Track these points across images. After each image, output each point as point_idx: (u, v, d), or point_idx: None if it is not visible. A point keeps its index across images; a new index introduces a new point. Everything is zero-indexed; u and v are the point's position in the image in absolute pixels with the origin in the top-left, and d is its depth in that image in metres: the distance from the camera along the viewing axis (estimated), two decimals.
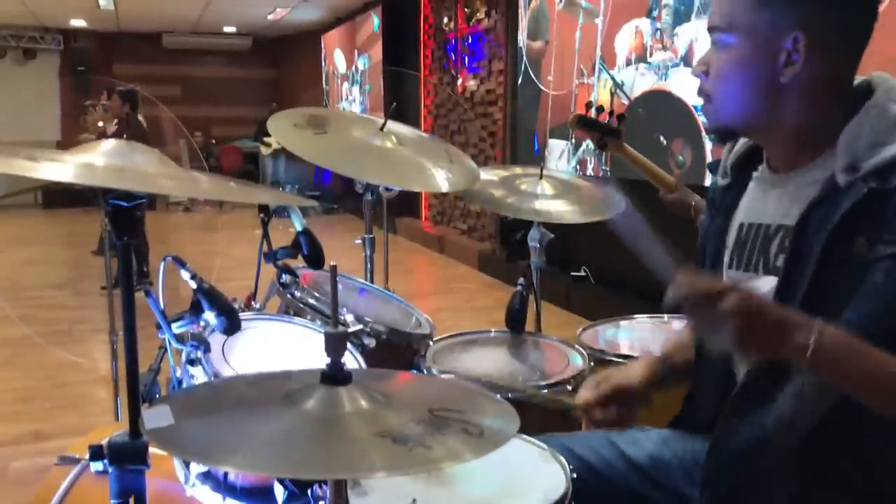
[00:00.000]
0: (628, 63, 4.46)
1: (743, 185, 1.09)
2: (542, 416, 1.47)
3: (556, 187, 1.97)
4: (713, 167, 1.18)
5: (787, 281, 0.95)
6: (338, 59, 10.41)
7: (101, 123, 5.68)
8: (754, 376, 0.99)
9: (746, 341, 0.85)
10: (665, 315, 1.90)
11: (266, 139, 10.55)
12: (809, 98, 0.96)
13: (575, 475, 1.11)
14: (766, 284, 1.00)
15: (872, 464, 0.92)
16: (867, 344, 0.85)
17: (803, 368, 0.86)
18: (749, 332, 0.85)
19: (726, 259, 1.08)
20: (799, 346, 0.84)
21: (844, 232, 0.90)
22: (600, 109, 2.01)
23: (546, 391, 1.28)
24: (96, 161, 0.91)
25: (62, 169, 0.90)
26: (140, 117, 5.82)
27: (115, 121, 5.47)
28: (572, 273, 4.96)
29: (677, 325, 1.84)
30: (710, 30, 1.00)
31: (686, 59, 3.98)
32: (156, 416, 0.79)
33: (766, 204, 1.04)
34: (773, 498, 0.98)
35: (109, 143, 0.95)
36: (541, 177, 1.97)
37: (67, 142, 9.63)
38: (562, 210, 1.90)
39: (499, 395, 0.95)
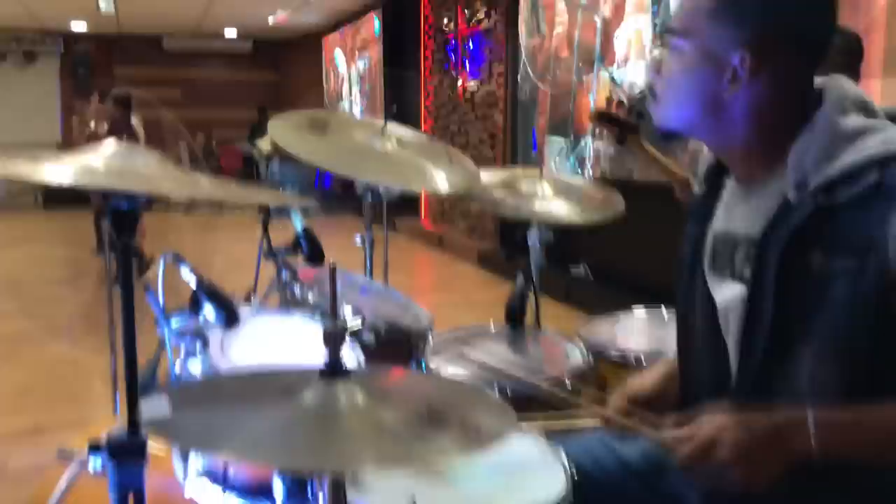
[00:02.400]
0: (627, 60, 4.47)
1: (717, 193, 1.10)
2: (541, 409, 1.47)
3: (556, 188, 1.97)
4: None
5: (755, 295, 0.97)
6: (338, 60, 10.42)
7: (93, 124, 5.70)
8: (746, 383, 1.00)
9: (755, 478, 0.88)
10: (662, 308, 1.91)
11: (258, 142, 10.54)
12: (755, 115, 0.96)
13: (574, 475, 1.10)
14: (735, 289, 1.01)
15: (871, 469, 0.92)
16: (865, 410, 0.87)
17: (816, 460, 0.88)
18: (754, 469, 0.87)
19: (707, 263, 1.09)
20: (803, 449, 0.86)
21: (800, 247, 0.91)
22: (620, 103, 2.03)
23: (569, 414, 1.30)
24: (96, 164, 0.92)
25: (63, 171, 0.90)
26: (135, 120, 5.83)
27: (107, 123, 5.49)
28: (571, 269, 4.97)
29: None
30: (667, 31, 1.00)
31: None
32: (153, 407, 0.79)
33: (734, 213, 1.05)
34: (773, 500, 0.97)
35: (109, 146, 0.95)
36: (540, 177, 1.98)
37: (68, 144, 9.63)
38: (562, 211, 1.90)
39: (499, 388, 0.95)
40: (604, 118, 2.03)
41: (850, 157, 0.90)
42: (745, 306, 0.98)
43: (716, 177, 1.11)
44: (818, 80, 0.99)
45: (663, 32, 1.01)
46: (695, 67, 0.96)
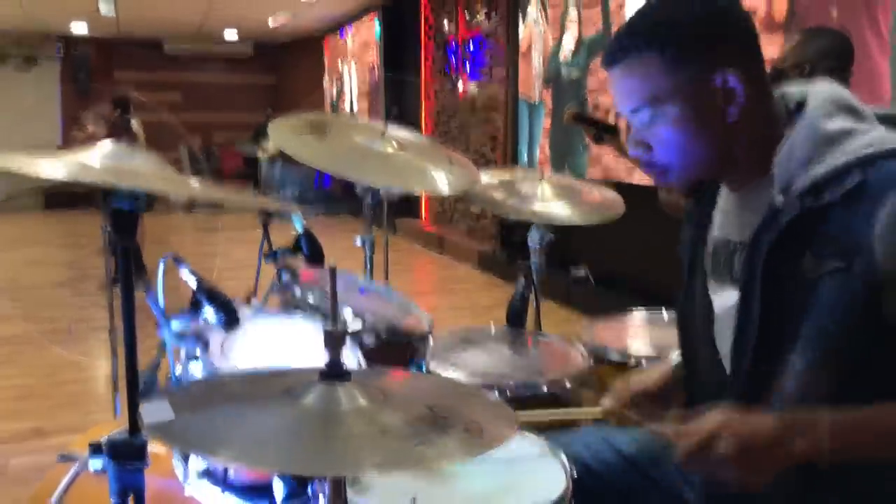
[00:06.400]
0: None
1: (713, 197, 1.10)
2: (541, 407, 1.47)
3: (556, 189, 1.97)
4: None
5: (745, 299, 0.97)
6: (339, 64, 10.43)
7: (91, 128, 5.71)
8: (741, 384, 1.00)
9: (752, 472, 0.87)
10: (663, 310, 1.91)
11: (263, 144, 10.54)
12: (755, 124, 0.96)
13: (574, 474, 1.11)
14: (733, 295, 1.01)
15: (870, 465, 0.92)
16: (876, 410, 0.86)
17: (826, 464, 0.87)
18: (752, 467, 0.86)
19: (709, 269, 1.09)
20: (810, 450, 0.85)
21: (788, 250, 0.92)
22: (596, 106, 2.01)
23: (570, 409, 1.33)
24: (93, 162, 0.92)
25: (59, 167, 0.91)
26: (134, 122, 5.83)
27: (106, 126, 5.50)
28: (572, 271, 4.97)
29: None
30: (633, 112, 0.99)
31: None
32: (155, 411, 0.79)
33: (729, 219, 1.06)
34: (771, 499, 0.97)
35: (106, 146, 0.96)
36: (541, 179, 1.98)
37: (68, 148, 9.64)
38: (562, 213, 1.91)
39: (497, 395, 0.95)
40: (579, 119, 1.99)
41: (835, 158, 0.90)
42: (736, 311, 0.98)
43: (709, 184, 1.10)
44: (805, 86, 1.00)
45: (630, 114, 1.00)
46: (689, 117, 0.95)
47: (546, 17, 5.50)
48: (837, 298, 0.88)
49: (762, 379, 0.95)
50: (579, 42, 4.95)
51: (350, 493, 1.00)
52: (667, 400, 1.18)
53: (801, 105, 0.97)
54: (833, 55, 1.91)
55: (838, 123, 0.93)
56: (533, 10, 5.68)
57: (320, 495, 1.05)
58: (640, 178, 4.12)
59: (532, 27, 5.73)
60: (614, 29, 4.54)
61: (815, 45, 1.92)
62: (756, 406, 0.93)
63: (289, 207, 1.45)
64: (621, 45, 0.97)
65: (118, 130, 5.33)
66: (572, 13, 5.01)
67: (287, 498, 1.07)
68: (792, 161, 0.93)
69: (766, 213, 0.95)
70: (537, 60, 5.66)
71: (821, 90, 0.97)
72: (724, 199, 1.08)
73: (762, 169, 0.97)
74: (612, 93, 1.01)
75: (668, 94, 0.95)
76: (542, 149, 5.56)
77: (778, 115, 0.98)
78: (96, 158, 0.93)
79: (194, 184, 1.08)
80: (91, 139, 5.38)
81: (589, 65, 4.77)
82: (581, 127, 2.03)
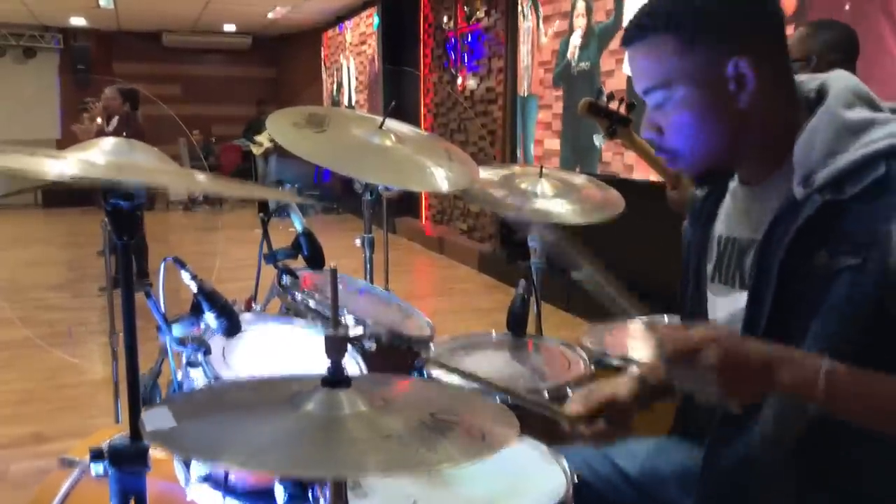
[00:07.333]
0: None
1: (721, 195, 1.08)
2: (542, 421, 1.47)
3: (556, 187, 1.96)
4: None
5: (755, 295, 0.94)
6: (338, 58, 10.40)
7: (99, 120, 5.66)
8: None
9: (733, 390, 0.84)
10: (665, 317, 1.89)
11: (256, 139, 10.51)
12: (770, 113, 0.94)
13: (576, 478, 1.10)
14: (745, 299, 0.98)
15: (865, 472, 0.92)
16: (877, 374, 0.83)
17: (816, 405, 0.84)
18: (734, 381, 0.84)
19: (710, 271, 1.07)
20: (797, 386, 0.83)
21: (804, 245, 0.89)
22: (611, 97, 1.97)
23: (537, 397, 1.26)
24: (97, 159, 0.91)
25: (64, 166, 0.90)
26: (137, 116, 5.81)
27: (115, 119, 5.46)
28: (572, 273, 4.96)
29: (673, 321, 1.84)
30: (646, 93, 0.97)
31: None
32: (156, 418, 0.79)
33: (739, 217, 1.03)
34: (767, 500, 0.97)
35: (109, 142, 0.95)
36: (541, 176, 1.97)
37: (67, 140, 9.62)
38: (562, 210, 1.90)
39: (497, 399, 0.95)
40: (593, 110, 1.93)
41: (857, 150, 0.88)
42: (745, 309, 0.95)
43: (719, 178, 1.07)
44: (821, 76, 0.98)
45: (644, 95, 0.98)
46: (698, 102, 0.93)
47: (536, 10, 5.49)
48: (848, 296, 0.85)
49: None
50: (588, 33, 4.91)
51: (351, 497, 1.00)
52: (633, 412, 1.13)
53: (819, 95, 0.95)
54: (840, 48, 1.89)
55: (859, 113, 0.91)
56: (520, 3, 5.66)
57: (321, 499, 1.05)
58: (641, 173, 4.11)
59: (520, 20, 5.72)
60: (626, 14, 4.51)
61: (822, 38, 1.91)
62: (756, 406, 0.91)
63: (294, 198, 1.44)
64: (640, 25, 0.95)
65: (128, 126, 5.30)
66: (580, 6, 4.97)
67: (288, 502, 1.07)
68: (812, 151, 0.90)
69: (783, 207, 0.92)
70: (525, 53, 5.65)
71: (839, 79, 0.95)
72: (734, 195, 1.05)
73: (778, 160, 0.94)
74: (630, 73, 1.00)
75: (680, 76, 0.93)
76: (541, 144, 5.55)
77: (798, 104, 0.96)
78: (101, 155, 0.92)
79: (201, 178, 1.07)
80: (98, 132, 5.35)
81: (601, 53, 4.75)
82: (595, 119, 1.98)
